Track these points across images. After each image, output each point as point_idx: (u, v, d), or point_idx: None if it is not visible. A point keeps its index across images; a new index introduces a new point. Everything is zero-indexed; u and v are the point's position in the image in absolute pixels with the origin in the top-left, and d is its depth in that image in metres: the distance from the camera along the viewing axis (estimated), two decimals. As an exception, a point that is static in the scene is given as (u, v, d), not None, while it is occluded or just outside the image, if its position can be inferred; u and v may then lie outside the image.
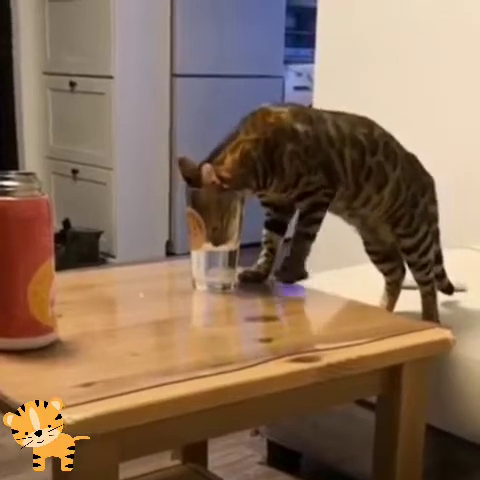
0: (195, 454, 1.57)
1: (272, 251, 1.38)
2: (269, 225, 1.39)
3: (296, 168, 1.30)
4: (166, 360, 1.08)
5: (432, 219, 1.45)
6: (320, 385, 1.05)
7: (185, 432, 0.99)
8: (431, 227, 1.44)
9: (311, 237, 1.34)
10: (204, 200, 1.28)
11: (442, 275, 1.54)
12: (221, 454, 1.99)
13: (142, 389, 0.91)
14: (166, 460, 1.56)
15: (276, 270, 1.36)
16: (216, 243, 1.30)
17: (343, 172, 1.34)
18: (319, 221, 1.33)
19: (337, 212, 1.41)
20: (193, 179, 1.29)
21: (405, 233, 1.41)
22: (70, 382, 0.91)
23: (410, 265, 1.45)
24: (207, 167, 1.26)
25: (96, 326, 1.16)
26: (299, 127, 1.31)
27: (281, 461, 1.98)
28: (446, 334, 1.16)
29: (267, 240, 1.39)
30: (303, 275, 1.34)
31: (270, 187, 1.32)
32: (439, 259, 1.52)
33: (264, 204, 1.39)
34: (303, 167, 1.30)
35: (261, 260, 1.39)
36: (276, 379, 1.00)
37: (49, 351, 1.02)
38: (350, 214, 1.41)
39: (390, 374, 1.14)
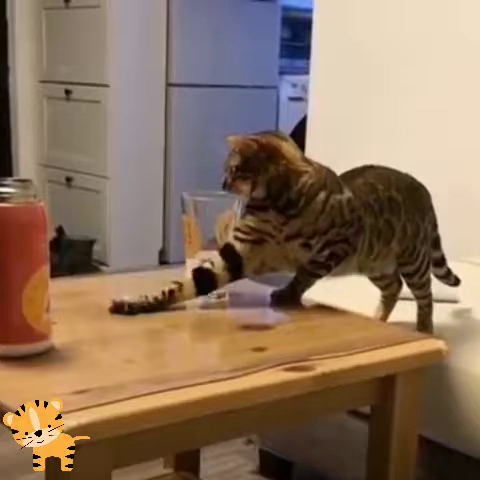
0: (187, 462, 1.57)
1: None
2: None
3: (332, 218, 1.28)
4: (160, 368, 1.08)
5: (433, 228, 1.48)
6: (313, 394, 1.05)
7: (178, 440, 0.99)
8: (428, 245, 1.45)
9: (318, 276, 1.33)
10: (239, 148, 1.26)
11: (448, 274, 1.60)
12: (213, 463, 1.99)
13: (136, 396, 0.91)
14: (158, 468, 1.56)
15: (274, 291, 1.35)
16: (224, 186, 1.28)
17: (362, 240, 1.33)
18: (330, 269, 1.32)
19: (346, 273, 1.38)
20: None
21: (408, 261, 1.42)
22: (64, 389, 0.91)
23: (410, 285, 1.47)
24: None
25: (90, 333, 1.16)
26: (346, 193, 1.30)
27: (273, 470, 1.98)
28: (439, 345, 1.17)
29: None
30: (297, 302, 1.34)
31: (287, 222, 1.27)
32: (443, 261, 1.56)
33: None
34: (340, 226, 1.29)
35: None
36: (270, 388, 1.00)
37: (43, 358, 1.02)
38: (360, 271, 1.40)
39: (383, 384, 1.14)
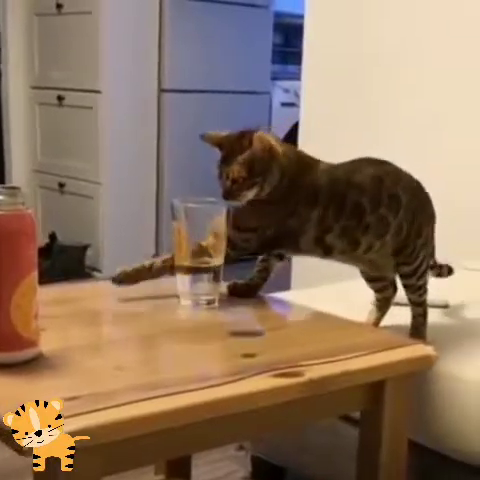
0: (179, 469, 1.57)
1: (267, 270, 1.39)
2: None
3: (253, 216, 1.33)
4: (151, 375, 1.08)
5: (429, 241, 1.47)
6: (304, 400, 1.06)
7: (169, 446, 0.99)
8: (428, 250, 1.45)
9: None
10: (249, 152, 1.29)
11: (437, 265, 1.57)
12: (205, 469, 1.98)
13: (127, 403, 0.91)
14: (150, 475, 1.56)
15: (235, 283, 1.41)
16: (228, 197, 1.31)
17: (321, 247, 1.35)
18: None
19: (343, 261, 1.41)
20: (225, 145, 1.33)
21: (406, 261, 1.42)
22: (55, 396, 0.91)
23: (406, 287, 1.45)
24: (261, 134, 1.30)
25: (81, 340, 1.16)
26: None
27: (265, 476, 1.97)
28: (428, 350, 1.17)
29: (265, 259, 1.39)
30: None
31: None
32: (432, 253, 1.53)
33: None
34: (259, 220, 1.33)
35: (254, 275, 1.40)
36: (259, 394, 1.01)
37: (33, 365, 1.02)
38: (357, 260, 1.42)
39: (373, 389, 1.14)
